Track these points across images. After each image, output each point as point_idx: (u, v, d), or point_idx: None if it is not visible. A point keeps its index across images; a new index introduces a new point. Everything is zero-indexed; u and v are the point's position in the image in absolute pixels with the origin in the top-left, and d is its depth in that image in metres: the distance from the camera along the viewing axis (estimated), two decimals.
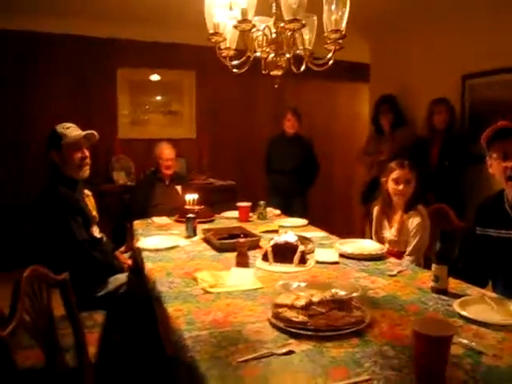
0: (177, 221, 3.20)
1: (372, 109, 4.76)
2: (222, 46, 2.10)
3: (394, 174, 2.65)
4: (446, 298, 1.73)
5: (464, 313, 1.54)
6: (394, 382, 1.14)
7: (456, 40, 4.05)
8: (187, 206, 3.09)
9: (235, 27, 1.90)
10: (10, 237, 4.33)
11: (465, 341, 1.34)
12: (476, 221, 2.17)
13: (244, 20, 1.86)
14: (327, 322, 1.40)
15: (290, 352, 1.28)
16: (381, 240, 2.73)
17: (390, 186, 2.67)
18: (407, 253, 2.59)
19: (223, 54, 2.11)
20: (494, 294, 1.86)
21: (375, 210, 2.82)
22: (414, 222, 2.59)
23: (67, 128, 2.61)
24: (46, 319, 1.41)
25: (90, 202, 2.76)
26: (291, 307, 1.46)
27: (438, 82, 4.21)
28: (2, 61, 4.50)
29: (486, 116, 3.75)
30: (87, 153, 2.67)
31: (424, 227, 2.59)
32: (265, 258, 2.17)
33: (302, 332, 1.38)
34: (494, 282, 2.13)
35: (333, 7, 1.86)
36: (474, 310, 1.57)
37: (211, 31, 1.99)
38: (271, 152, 4.65)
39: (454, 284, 1.86)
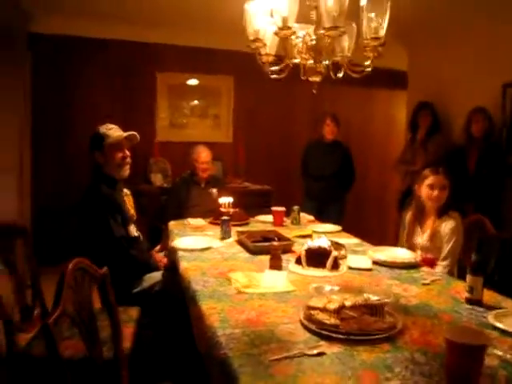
0: (211, 223, 3.25)
1: (410, 114, 4.72)
2: (262, 51, 2.14)
3: (429, 180, 2.65)
4: (481, 309, 1.71)
5: (499, 325, 1.52)
6: None
7: (496, 47, 3.97)
8: (222, 209, 3.14)
9: (276, 34, 1.93)
10: (57, 233, 4.51)
11: (500, 352, 1.33)
12: None
13: (285, 27, 1.89)
14: (359, 326, 1.41)
15: (321, 354, 1.30)
16: (413, 246, 2.72)
17: (425, 192, 2.66)
18: (441, 258, 2.57)
19: (263, 60, 2.15)
20: None
21: (408, 216, 2.81)
22: (447, 226, 2.57)
23: (110, 129, 2.72)
24: (87, 311, 1.47)
25: (129, 201, 2.84)
26: (323, 310, 1.48)
27: (476, 91, 4.14)
28: (48, 64, 4.69)
29: None
30: (128, 153, 2.77)
31: (458, 231, 2.56)
32: (298, 261, 2.19)
33: (333, 335, 1.39)
34: None
35: (372, 14, 1.87)
36: (510, 322, 1.54)
37: (251, 37, 2.04)
38: (308, 157, 4.66)
39: (488, 296, 1.83)
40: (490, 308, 1.70)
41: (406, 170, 4.43)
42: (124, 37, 4.81)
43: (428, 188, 2.65)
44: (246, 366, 1.23)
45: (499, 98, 3.99)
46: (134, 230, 2.79)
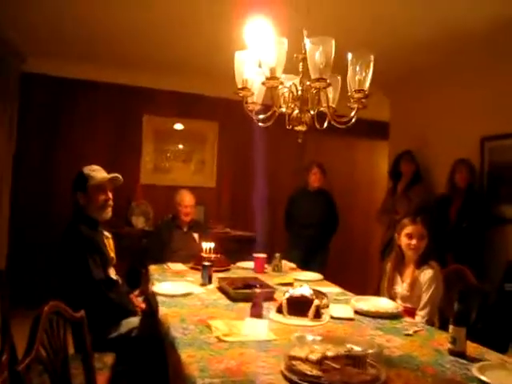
0: (192, 268, 3.21)
1: (392, 162, 4.79)
2: (249, 100, 2.18)
3: (407, 230, 2.67)
4: (464, 361, 1.69)
5: (484, 378, 1.49)
6: None
7: (475, 101, 4.12)
8: (204, 254, 3.11)
9: (263, 84, 1.98)
10: (31, 273, 4.39)
11: None
12: (506, 277, 2.13)
13: (272, 77, 1.94)
14: (342, 378, 1.38)
15: None
16: (393, 295, 2.71)
17: (403, 241, 2.68)
18: (420, 307, 2.55)
19: (249, 108, 2.19)
20: None
21: (388, 266, 2.82)
22: (426, 275, 2.58)
23: (93, 170, 2.71)
24: (62, 357, 1.41)
25: (109, 244, 2.80)
26: (305, 360, 1.45)
27: (457, 143, 4.25)
28: (37, 103, 4.73)
29: (506, 178, 3.77)
30: (110, 195, 2.75)
31: (436, 280, 2.57)
32: (279, 310, 2.15)
33: None
34: None
35: (357, 68, 1.95)
36: (495, 375, 1.52)
37: (240, 86, 2.08)
38: (294, 206, 4.68)
39: (471, 348, 1.82)
40: (473, 360, 1.68)
41: (388, 219, 4.47)
42: (114, 80, 4.90)
43: (406, 237, 2.67)
44: None
45: (478, 151, 4.10)
46: (113, 274, 2.73)
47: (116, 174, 2.78)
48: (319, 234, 4.52)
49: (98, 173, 2.71)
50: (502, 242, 3.75)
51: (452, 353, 1.75)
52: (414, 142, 4.74)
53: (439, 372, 1.59)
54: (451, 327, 1.77)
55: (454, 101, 4.41)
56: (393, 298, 2.69)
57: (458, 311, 1.79)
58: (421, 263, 2.63)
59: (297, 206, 4.65)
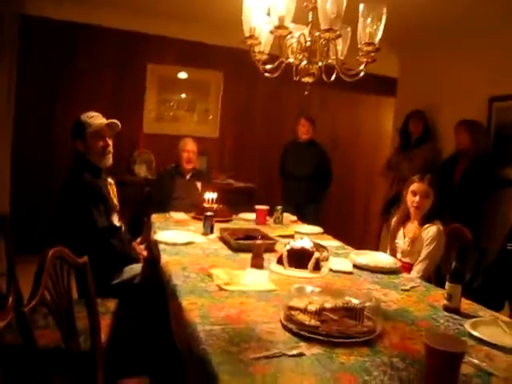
0: (194, 217, 3.24)
1: (400, 121, 4.75)
2: (257, 49, 2.13)
3: (413, 187, 2.68)
4: (458, 317, 1.73)
5: (476, 333, 1.53)
6: None
7: (484, 62, 4.02)
8: (206, 204, 3.13)
9: (272, 32, 1.92)
10: (34, 220, 4.43)
11: (475, 360, 1.34)
12: (510, 236, 2.14)
13: (281, 26, 1.88)
14: (339, 329, 1.42)
15: (301, 354, 1.30)
16: (394, 249, 2.74)
17: (408, 198, 2.69)
18: (418, 261, 2.58)
19: (256, 57, 2.14)
20: (506, 318, 1.85)
21: (393, 220, 2.84)
22: (429, 232, 2.60)
23: (91, 117, 2.68)
24: (66, 300, 1.44)
25: (113, 190, 2.81)
26: (304, 311, 1.48)
27: (464, 103, 4.19)
28: (37, 48, 4.60)
29: None
30: (110, 142, 2.73)
31: (439, 238, 2.58)
32: (280, 261, 2.19)
33: (313, 336, 1.40)
34: None
35: (368, 20, 1.88)
36: (486, 331, 1.57)
37: (247, 34, 2.03)
38: (285, 158, 4.66)
39: (466, 305, 1.85)
40: (467, 316, 1.72)
41: (393, 176, 4.46)
42: (117, 25, 4.75)
43: (411, 194, 2.68)
44: (225, 364, 1.23)
45: (485, 111, 4.04)
46: (116, 220, 2.75)
47: (113, 120, 2.74)
48: (310, 187, 4.48)
49: (95, 119, 2.68)
50: (505, 204, 3.75)
51: (447, 309, 1.78)
52: (422, 101, 4.67)
53: (433, 326, 1.63)
54: (447, 284, 1.80)
55: (463, 60, 4.30)
56: (393, 251, 2.72)
57: (454, 269, 1.81)
58: (425, 221, 2.65)
59: (288, 158, 4.63)
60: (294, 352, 1.31)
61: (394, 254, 2.72)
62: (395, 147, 4.80)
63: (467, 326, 1.60)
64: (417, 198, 2.64)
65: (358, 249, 2.69)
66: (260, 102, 5.51)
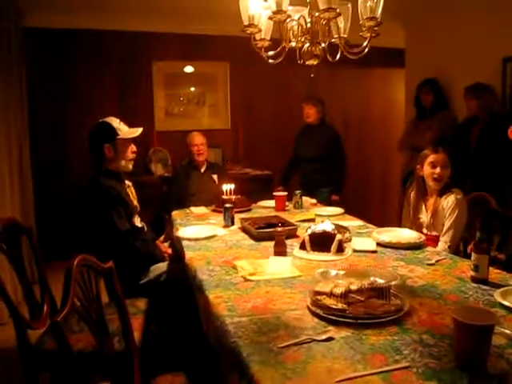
0: (214, 210, 3.26)
1: (412, 92, 4.67)
2: (257, 36, 2.12)
3: (430, 158, 2.63)
4: (487, 287, 1.71)
5: (506, 303, 1.52)
6: (433, 370, 1.15)
7: (495, 21, 3.90)
8: (224, 196, 3.14)
9: (270, 18, 1.91)
10: (60, 228, 4.52)
11: (507, 331, 1.33)
12: None
13: (279, 11, 1.87)
14: (366, 310, 1.42)
15: (330, 339, 1.31)
16: (418, 225, 2.72)
17: (427, 170, 2.65)
18: (443, 232, 2.56)
19: (258, 45, 2.13)
20: None
21: (411, 196, 2.81)
22: (449, 201, 2.56)
23: (119, 123, 2.72)
24: (96, 305, 1.47)
25: (132, 192, 2.84)
26: (330, 295, 1.49)
27: (476, 66, 4.08)
28: (43, 58, 4.65)
29: None
30: (136, 148, 2.79)
31: (460, 205, 2.55)
32: (302, 246, 2.19)
33: (341, 319, 1.40)
34: None
35: None
36: None
37: (246, 22, 2.01)
38: (297, 142, 4.62)
39: (494, 274, 1.84)
40: (496, 286, 1.70)
41: (411, 148, 4.38)
42: (119, 27, 4.76)
43: (430, 166, 2.63)
44: (255, 354, 1.24)
45: (499, 73, 3.94)
46: (138, 221, 2.79)
47: (142, 128, 2.79)
48: (323, 169, 4.37)
49: (123, 125, 2.73)
50: None
51: (474, 280, 1.77)
52: (433, 69, 4.56)
53: (462, 299, 1.62)
54: (473, 255, 1.78)
55: (471, 22, 4.17)
56: (419, 227, 2.70)
57: (480, 238, 1.79)
58: (444, 191, 2.62)
59: (299, 142, 4.58)
60: (323, 337, 1.32)
61: (419, 229, 2.70)
62: (411, 119, 4.72)
63: (497, 295, 1.58)
64: (437, 170, 2.60)
65: (380, 226, 2.67)
66: (269, 89, 5.47)
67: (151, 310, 2.39)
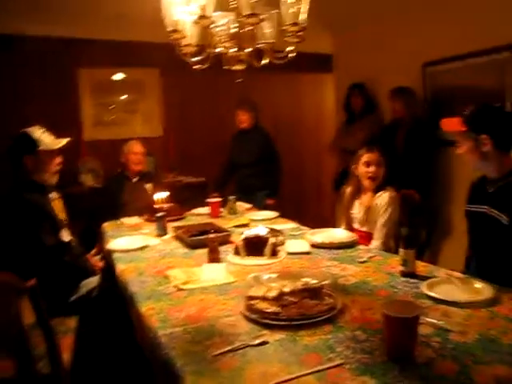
0: (147, 220, 3.18)
1: (342, 96, 4.81)
2: (183, 43, 2.09)
3: (365, 158, 2.70)
4: (415, 280, 1.78)
5: (431, 294, 1.59)
6: (366, 365, 1.17)
7: (415, 28, 4.11)
8: (157, 205, 3.07)
9: (195, 23, 1.89)
10: None
11: (433, 320, 1.38)
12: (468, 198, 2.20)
13: (203, 16, 1.85)
14: (299, 311, 1.42)
15: (264, 343, 1.30)
16: (350, 220, 2.78)
17: (361, 169, 2.71)
18: (376, 230, 2.63)
19: (184, 51, 2.11)
20: (460, 274, 1.92)
21: (346, 191, 2.86)
22: (383, 199, 2.64)
23: (42, 133, 2.58)
24: (16, 327, 1.38)
25: (58, 205, 2.71)
26: (263, 299, 1.48)
27: (400, 71, 4.28)
28: None
29: (448, 102, 3.85)
30: (61, 159, 2.66)
31: (393, 204, 2.63)
32: (236, 252, 2.18)
33: (275, 322, 1.40)
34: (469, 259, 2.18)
35: (290, 0, 1.88)
36: (441, 290, 1.62)
37: (170, 28, 1.98)
38: (231, 148, 4.62)
39: (421, 267, 1.92)
40: (423, 278, 1.76)
41: (341, 150, 4.51)
42: (41, 32, 4.53)
43: (364, 165, 2.70)
44: (189, 364, 1.21)
45: (420, 77, 4.15)
46: (65, 236, 2.66)
47: (67, 139, 2.66)
48: (256, 174, 4.40)
49: (46, 135, 2.59)
50: (446, 164, 3.88)
51: (403, 274, 1.83)
52: (361, 74, 4.72)
53: (392, 293, 1.67)
54: (400, 250, 1.85)
55: (395, 30, 4.38)
56: (351, 221, 2.76)
57: (406, 234, 1.86)
58: (378, 189, 2.69)
59: (233, 148, 4.59)
60: (258, 341, 1.30)
61: (350, 224, 2.76)
62: (341, 122, 4.86)
63: (423, 287, 1.65)
64: (371, 168, 2.67)
65: (317, 227, 2.70)
66: (201, 95, 5.43)
67: (84, 328, 2.28)
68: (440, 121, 2.13)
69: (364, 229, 2.71)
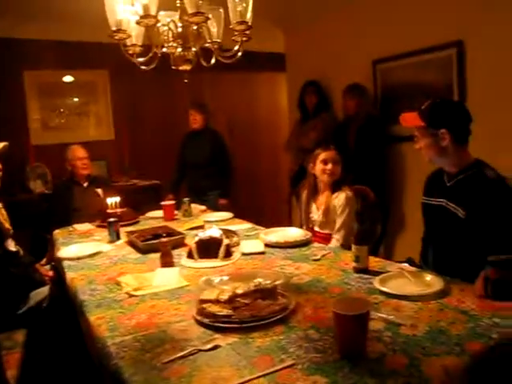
0: (99, 226, 3.08)
1: (295, 95, 4.82)
2: (128, 42, 2.04)
3: (322, 156, 2.70)
4: (368, 276, 1.79)
5: (384, 288, 1.60)
6: (317, 364, 1.16)
7: (365, 26, 4.18)
8: (109, 210, 2.99)
9: (138, 23, 1.84)
10: None
11: (384, 315, 1.39)
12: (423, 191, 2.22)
13: (146, 15, 1.81)
14: (251, 313, 1.41)
15: (216, 347, 1.28)
16: (310, 224, 2.79)
17: (319, 168, 2.71)
18: (335, 231, 2.64)
19: (129, 52, 2.06)
20: (412, 268, 1.96)
21: (303, 194, 2.87)
22: (340, 200, 2.65)
23: None
24: None
25: (1, 214, 2.59)
26: (216, 302, 1.45)
27: (351, 69, 4.34)
28: None
29: (398, 98, 3.93)
30: (0, 165, 2.52)
31: (350, 203, 2.65)
32: (190, 255, 2.15)
33: (227, 325, 1.38)
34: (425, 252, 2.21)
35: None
36: (393, 284, 1.64)
37: (114, 28, 1.93)
38: (182, 149, 4.56)
39: (374, 262, 1.94)
40: (376, 274, 1.78)
41: (296, 149, 4.52)
42: None
43: (322, 163, 2.69)
44: (138, 374, 1.17)
45: (370, 74, 4.22)
46: (11, 245, 2.55)
47: (5, 143, 2.53)
48: (208, 175, 4.38)
49: None
50: (398, 159, 3.97)
51: (356, 270, 1.85)
52: (314, 72, 4.75)
53: (345, 290, 1.68)
54: (353, 246, 1.86)
55: (345, 28, 4.43)
56: (311, 225, 2.77)
57: (358, 231, 1.88)
58: (334, 189, 2.70)
59: (184, 148, 4.54)
60: (209, 346, 1.28)
61: (311, 227, 2.77)
62: (296, 120, 4.88)
63: (376, 283, 1.67)
64: (329, 166, 2.67)
65: (273, 226, 2.69)
66: (152, 96, 5.35)
67: (34, 342, 2.19)
68: (397, 116, 2.13)
69: (326, 231, 2.71)
